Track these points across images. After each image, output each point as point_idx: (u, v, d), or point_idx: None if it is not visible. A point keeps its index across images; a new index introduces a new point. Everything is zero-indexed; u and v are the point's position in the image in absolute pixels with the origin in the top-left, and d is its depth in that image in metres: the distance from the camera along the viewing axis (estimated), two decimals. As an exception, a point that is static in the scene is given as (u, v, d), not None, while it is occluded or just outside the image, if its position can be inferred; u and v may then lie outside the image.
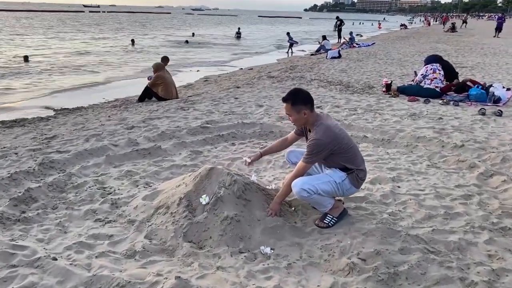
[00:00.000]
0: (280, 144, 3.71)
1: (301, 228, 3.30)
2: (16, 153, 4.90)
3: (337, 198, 3.47)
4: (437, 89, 8.42)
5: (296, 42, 24.12)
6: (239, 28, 38.15)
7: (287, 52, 22.89)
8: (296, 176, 3.28)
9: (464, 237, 3.14)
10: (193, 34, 36.56)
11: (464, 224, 3.35)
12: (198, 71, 16.08)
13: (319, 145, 3.12)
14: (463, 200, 3.79)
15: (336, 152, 3.19)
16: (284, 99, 3.25)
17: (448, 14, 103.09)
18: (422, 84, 8.61)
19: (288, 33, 24.75)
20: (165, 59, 10.28)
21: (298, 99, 3.20)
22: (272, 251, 3.02)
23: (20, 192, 3.72)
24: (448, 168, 4.63)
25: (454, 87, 8.64)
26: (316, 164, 3.53)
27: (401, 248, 2.94)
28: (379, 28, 53.10)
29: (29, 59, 17.42)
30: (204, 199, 3.30)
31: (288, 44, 23.68)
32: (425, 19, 76.02)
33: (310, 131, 3.30)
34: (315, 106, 6.87)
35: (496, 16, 37.04)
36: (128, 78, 14.45)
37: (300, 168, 3.25)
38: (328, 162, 3.33)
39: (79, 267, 2.73)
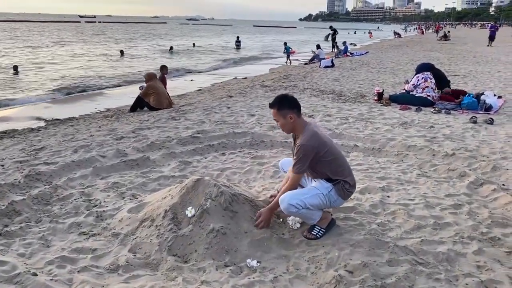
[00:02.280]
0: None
1: (288, 240, 3.25)
2: (2, 165, 4.84)
3: (325, 209, 3.43)
4: (429, 97, 8.43)
5: (292, 53, 24.01)
6: (238, 37, 37.67)
7: (286, 62, 22.90)
8: (290, 188, 3.27)
9: (453, 248, 3.10)
10: (194, 44, 36.32)
11: (454, 234, 3.31)
12: (192, 80, 16.09)
13: (305, 150, 3.12)
14: (453, 210, 3.76)
15: (321, 160, 3.17)
16: (271, 105, 3.27)
17: (441, 23, 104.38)
18: (413, 93, 8.63)
19: (285, 43, 24.78)
20: (164, 68, 10.32)
21: (284, 104, 3.21)
22: (258, 264, 2.97)
23: (3, 205, 3.65)
24: (438, 177, 4.60)
25: (452, 94, 8.70)
26: (305, 175, 3.50)
27: (389, 259, 2.90)
28: (370, 37, 53.90)
29: (18, 69, 17.35)
30: (190, 212, 3.25)
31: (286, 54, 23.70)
32: (419, 28, 76.84)
33: (297, 138, 3.28)
34: (307, 115, 6.81)
35: (489, 25, 37.39)
36: (119, 88, 14.45)
37: (294, 179, 3.25)
38: (314, 172, 3.30)
39: (59, 282, 2.67)
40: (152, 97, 8.97)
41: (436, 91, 8.75)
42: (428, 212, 3.71)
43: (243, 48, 34.38)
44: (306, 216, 3.25)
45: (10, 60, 20.82)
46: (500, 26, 48.16)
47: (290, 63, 22.27)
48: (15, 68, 17.32)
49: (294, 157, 3.21)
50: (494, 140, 5.93)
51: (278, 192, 3.61)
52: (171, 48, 29.77)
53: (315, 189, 3.26)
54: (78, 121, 8.62)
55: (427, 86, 8.53)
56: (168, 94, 9.49)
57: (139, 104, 9.12)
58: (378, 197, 3.99)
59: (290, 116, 3.20)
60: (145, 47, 33.51)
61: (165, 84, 9.97)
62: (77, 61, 22.27)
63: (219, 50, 32.71)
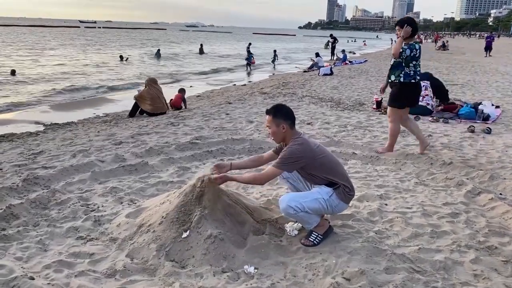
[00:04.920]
0: (254, 160, 3.62)
1: (286, 247, 3.25)
2: (0, 169, 4.84)
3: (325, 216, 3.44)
4: (428, 106, 8.47)
5: (252, 62, 23.63)
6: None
7: (247, 69, 22.79)
8: (262, 178, 3.24)
9: (450, 256, 3.10)
10: (202, 50, 36.42)
11: (451, 243, 3.31)
12: (191, 86, 16.11)
13: (292, 153, 3.16)
14: (450, 218, 3.77)
15: (314, 165, 3.21)
16: (267, 111, 3.35)
17: (439, 32, 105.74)
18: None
19: (248, 48, 24.62)
20: (182, 91, 10.51)
21: (280, 113, 3.27)
22: (256, 270, 2.96)
23: (1, 209, 3.64)
24: (436, 186, 4.62)
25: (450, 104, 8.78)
26: (304, 181, 3.50)
27: (386, 267, 2.90)
28: (364, 45, 57.27)
29: (16, 73, 17.34)
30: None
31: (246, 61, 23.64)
32: (418, 37, 77.75)
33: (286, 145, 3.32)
34: (306, 122, 6.81)
35: (485, 35, 37.63)
36: (117, 93, 14.47)
37: (269, 171, 3.22)
38: (310, 176, 3.31)
39: (56, 286, 2.66)
40: (147, 104, 9.09)
41: (434, 100, 8.79)
42: (426, 220, 3.71)
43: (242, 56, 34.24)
44: (303, 220, 3.26)
45: (9, 64, 20.84)
46: (498, 37, 48.72)
47: (250, 70, 22.34)
48: (13, 72, 17.34)
49: (279, 157, 3.22)
50: (491, 150, 5.95)
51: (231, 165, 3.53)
52: (158, 51, 29.84)
53: (316, 193, 3.27)
54: (76, 126, 8.63)
55: (427, 95, 8.58)
56: (164, 98, 9.54)
57: (137, 109, 9.19)
58: (376, 205, 3.99)
59: (283, 126, 3.25)
60: (141, 52, 33.57)
61: (182, 102, 10.20)
62: (75, 65, 22.29)
63: (220, 57, 32.63)
